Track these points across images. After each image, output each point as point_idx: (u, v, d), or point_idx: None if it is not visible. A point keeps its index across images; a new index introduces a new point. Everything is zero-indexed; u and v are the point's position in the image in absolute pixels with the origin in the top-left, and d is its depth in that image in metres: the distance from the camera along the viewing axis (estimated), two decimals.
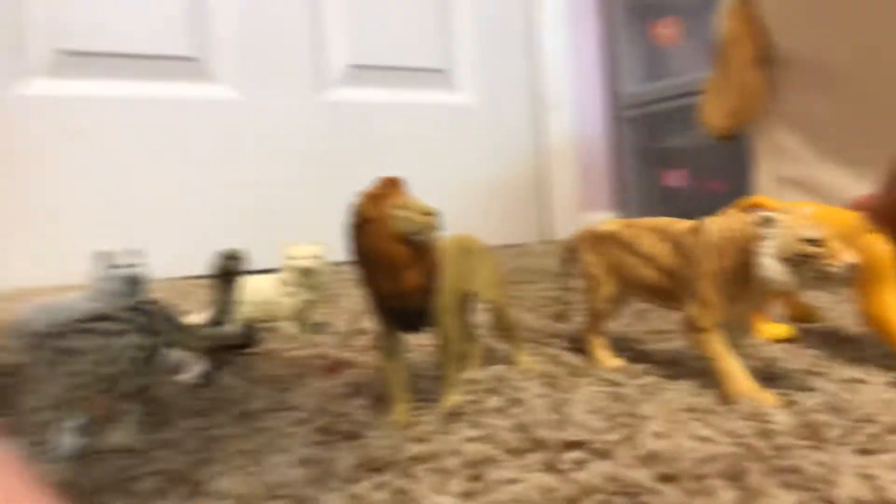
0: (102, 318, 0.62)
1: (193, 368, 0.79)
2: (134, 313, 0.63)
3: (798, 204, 0.78)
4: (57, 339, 0.58)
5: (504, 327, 0.78)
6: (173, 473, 0.52)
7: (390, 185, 0.63)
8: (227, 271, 0.72)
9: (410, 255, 0.62)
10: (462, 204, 2.10)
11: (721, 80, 1.55)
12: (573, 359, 0.79)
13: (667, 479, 0.47)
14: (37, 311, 0.89)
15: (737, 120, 1.56)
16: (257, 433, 0.60)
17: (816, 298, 1.08)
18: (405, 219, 0.61)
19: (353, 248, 0.63)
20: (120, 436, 0.60)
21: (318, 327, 1.05)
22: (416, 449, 0.54)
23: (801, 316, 0.90)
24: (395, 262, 0.61)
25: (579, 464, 0.51)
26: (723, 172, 2.08)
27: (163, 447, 0.58)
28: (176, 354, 0.81)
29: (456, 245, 0.72)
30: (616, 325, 0.97)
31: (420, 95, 2.08)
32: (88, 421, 0.65)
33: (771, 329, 0.86)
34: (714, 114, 1.61)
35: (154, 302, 0.66)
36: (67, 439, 0.57)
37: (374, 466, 0.52)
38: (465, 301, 0.78)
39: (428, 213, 0.61)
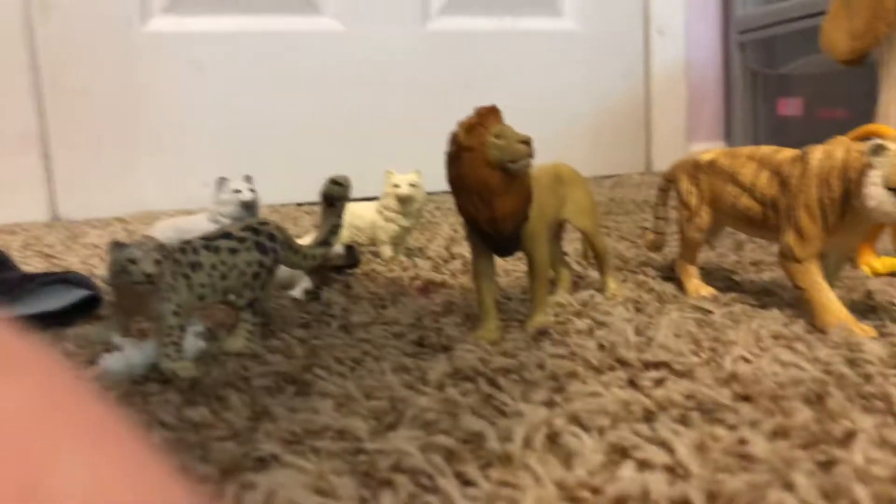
0: (224, 236, 0.68)
1: (301, 285, 0.85)
2: (251, 233, 0.69)
3: None
4: (185, 254, 0.64)
5: (594, 254, 0.79)
6: (283, 375, 0.58)
7: (487, 115, 0.65)
8: (334, 196, 0.76)
9: (505, 182, 0.64)
10: (565, 134, 2.07)
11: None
12: (663, 287, 0.80)
13: (744, 398, 0.49)
14: (167, 230, 0.98)
15: (863, 42, 1.45)
16: (357, 343, 0.66)
17: None
18: (501, 147, 0.63)
19: (450, 176, 0.65)
20: (236, 342, 0.67)
21: (415, 251, 1.10)
22: (503, 361, 0.57)
23: None
24: (489, 189, 0.64)
25: (659, 382, 0.53)
26: (845, 100, 1.94)
27: (273, 353, 0.64)
28: (286, 272, 0.87)
29: (549, 173, 0.74)
30: (711, 256, 0.96)
31: (524, 22, 2.04)
32: (209, 328, 0.72)
33: (876, 261, 0.83)
34: (838, 36, 1.51)
35: (268, 223, 0.71)
36: (192, 342, 0.64)
37: (463, 375, 0.56)
38: (556, 228, 0.79)
39: (523, 142, 0.62)
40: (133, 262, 0.57)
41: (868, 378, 0.51)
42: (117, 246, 0.58)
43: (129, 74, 1.70)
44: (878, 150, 0.60)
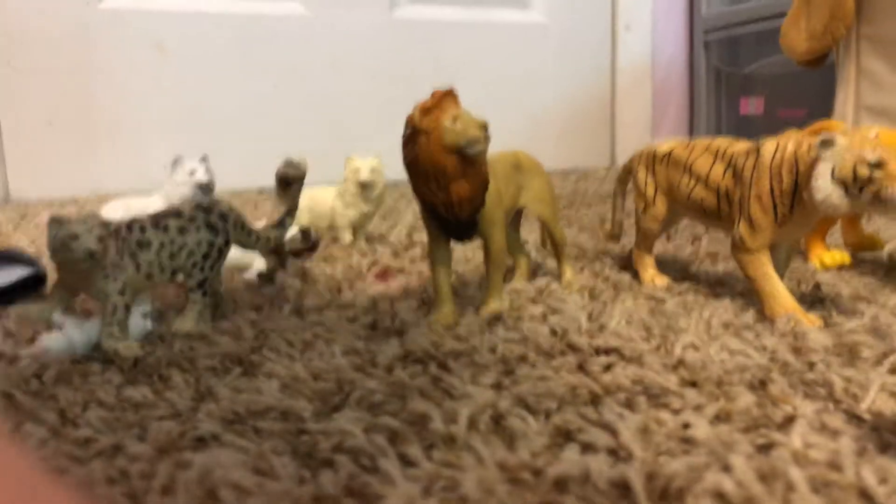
0: (173, 215, 0.66)
1: (255, 268, 0.84)
2: (202, 212, 0.68)
3: (865, 127, 0.76)
4: (132, 231, 0.62)
5: (552, 242, 0.79)
6: (230, 356, 0.57)
7: (443, 98, 0.64)
8: (289, 178, 0.75)
9: (461, 166, 0.63)
10: (531, 127, 2.08)
11: (808, 0, 1.46)
12: (619, 276, 0.80)
13: (691, 384, 0.49)
14: (118, 209, 0.96)
15: (822, 43, 1.48)
16: (309, 327, 0.65)
17: (884, 228, 1.05)
18: (456, 131, 0.62)
19: (406, 159, 0.65)
20: (185, 323, 0.65)
21: (375, 238, 1.09)
22: (455, 345, 0.57)
23: (862, 244, 0.88)
24: (445, 173, 0.63)
25: (608, 367, 0.53)
26: (805, 100, 1.98)
27: (222, 334, 0.63)
28: (238, 254, 0.86)
29: (507, 160, 0.73)
30: (668, 247, 0.97)
31: (491, 13, 2.04)
32: (156, 308, 0.71)
33: (826, 255, 0.84)
34: (797, 37, 1.53)
35: (220, 202, 0.70)
36: (138, 322, 0.63)
37: (414, 358, 0.56)
38: (514, 215, 0.79)
39: (479, 127, 0.62)
40: (74, 238, 0.56)
41: (811, 366, 0.51)
42: (57, 222, 0.57)
43: (85, 53, 1.65)
44: (827, 143, 0.60)
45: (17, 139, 1.62)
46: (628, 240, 1.00)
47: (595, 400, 0.47)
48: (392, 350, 0.57)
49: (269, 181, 1.48)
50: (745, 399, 0.45)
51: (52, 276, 0.81)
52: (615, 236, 0.89)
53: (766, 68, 2.08)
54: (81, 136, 1.67)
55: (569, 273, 0.79)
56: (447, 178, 0.63)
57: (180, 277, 0.66)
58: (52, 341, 0.57)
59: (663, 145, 0.79)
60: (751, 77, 2.14)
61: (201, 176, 0.95)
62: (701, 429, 0.41)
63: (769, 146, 0.66)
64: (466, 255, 0.93)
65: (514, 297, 0.72)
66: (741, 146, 0.71)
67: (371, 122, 1.89)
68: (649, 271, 0.80)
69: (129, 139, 1.71)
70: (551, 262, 0.89)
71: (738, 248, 0.67)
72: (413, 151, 0.64)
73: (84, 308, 0.71)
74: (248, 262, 0.86)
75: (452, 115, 0.63)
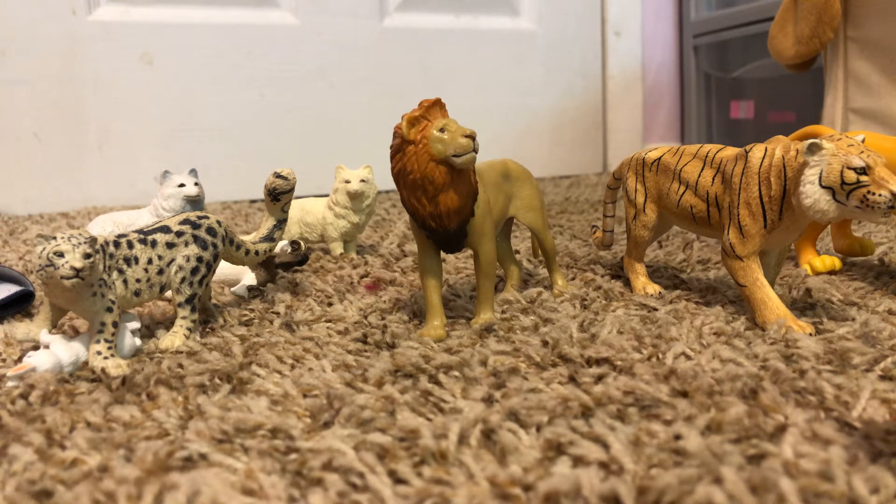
0: (161, 229, 0.66)
1: (245, 281, 0.83)
2: (190, 226, 0.67)
3: (852, 133, 0.76)
4: (119, 248, 0.62)
5: (542, 251, 0.79)
6: (219, 373, 0.56)
7: (431, 108, 0.64)
8: (278, 190, 0.74)
9: (449, 176, 0.63)
10: (523, 133, 2.08)
11: (795, 4, 1.47)
12: (611, 284, 0.80)
13: (682, 394, 0.49)
14: (106, 223, 0.95)
15: (809, 47, 1.48)
16: (299, 341, 0.64)
17: (874, 232, 1.05)
18: (444, 141, 0.62)
19: (393, 170, 0.64)
20: (174, 339, 0.65)
21: (365, 248, 1.09)
22: (446, 358, 0.57)
23: (852, 248, 0.88)
24: (433, 184, 0.63)
25: (600, 378, 0.53)
26: (794, 104, 1.99)
27: (211, 350, 0.62)
28: (231, 268, 0.85)
29: (496, 169, 0.73)
30: (660, 254, 0.97)
31: (481, 21, 2.04)
32: (144, 325, 0.70)
33: (816, 260, 0.84)
34: (785, 41, 1.54)
35: (208, 216, 0.69)
36: (127, 340, 0.62)
37: (404, 372, 0.55)
38: (504, 224, 0.79)
39: (467, 136, 0.62)
40: (60, 255, 0.55)
41: (802, 373, 0.51)
42: (44, 239, 0.56)
43: (73, 65, 1.64)
44: (814, 148, 0.61)
45: (3, 152, 1.61)
46: (619, 247, 1.00)
47: (586, 412, 0.47)
48: (382, 364, 0.56)
49: (259, 192, 1.48)
50: (737, 409, 0.45)
51: (39, 293, 0.80)
52: (606, 244, 0.89)
53: (756, 72, 2.09)
54: (69, 148, 1.66)
55: (560, 281, 0.79)
56: (435, 188, 0.63)
57: (169, 293, 0.65)
58: (40, 360, 0.57)
59: (652, 152, 0.79)
60: (740, 81, 2.15)
61: (190, 189, 0.94)
62: (692, 440, 0.41)
63: (757, 152, 0.67)
64: (457, 265, 0.93)
65: (506, 307, 0.72)
66: (729, 151, 0.71)
67: (361, 131, 1.88)
68: (641, 279, 0.80)
69: (118, 152, 1.70)
70: (543, 272, 0.89)
71: (729, 255, 0.67)
72: (401, 162, 0.64)
73: (72, 326, 0.70)
74: (237, 275, 0.85)
75: (440, 124, 0.63)
